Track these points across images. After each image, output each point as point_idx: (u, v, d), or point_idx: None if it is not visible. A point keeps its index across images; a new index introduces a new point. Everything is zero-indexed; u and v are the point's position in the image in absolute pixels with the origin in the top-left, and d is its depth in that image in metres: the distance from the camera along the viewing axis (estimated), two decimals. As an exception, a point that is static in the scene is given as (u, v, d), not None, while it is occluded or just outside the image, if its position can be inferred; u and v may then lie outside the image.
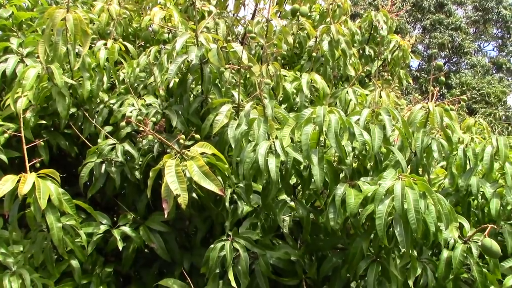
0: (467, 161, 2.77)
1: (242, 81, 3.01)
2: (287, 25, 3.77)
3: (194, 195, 2.67)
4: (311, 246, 2.67)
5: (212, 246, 2.43)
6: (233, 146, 2.50)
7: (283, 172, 2.36)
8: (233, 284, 2.33)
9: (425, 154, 2.75)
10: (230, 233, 2.48)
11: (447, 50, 23.69)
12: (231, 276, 2.34)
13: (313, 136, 2.41)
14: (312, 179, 2.32)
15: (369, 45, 4.49)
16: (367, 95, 3.50)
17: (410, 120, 2.75)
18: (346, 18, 3.96)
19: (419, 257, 2.46)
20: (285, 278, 2.55)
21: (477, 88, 22.35)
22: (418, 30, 24.88)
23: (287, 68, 3.88)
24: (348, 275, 2.44)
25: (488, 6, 24.31)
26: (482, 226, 2.35)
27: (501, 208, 2.67)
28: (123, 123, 2.73)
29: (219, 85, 2.91)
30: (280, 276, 2.55)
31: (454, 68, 24.18)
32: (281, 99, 3.29)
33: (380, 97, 3.31)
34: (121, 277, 3.11)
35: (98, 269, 2.88)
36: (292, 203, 2.57)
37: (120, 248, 2.76)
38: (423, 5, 23.46)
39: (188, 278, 2.51)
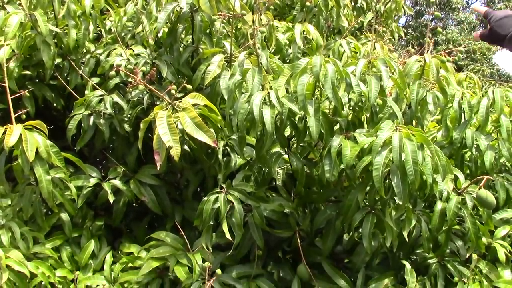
0: (462, 114, 2.74)
1: (234, 31, 2.92)
2: (280, -27, 3.65)
3: (186, 147, 2.63)
4: (304, 199, 2.66)
5: (205, 198, 2.40)
6: (226, 97, 2.43)
7: (278, 124, 2.30)
8: (228, 236, 2.31)
9: (419, 107, 2.72)
10: (223, 186, 2.45)
11: (435, 6, 23.47)
12: (225, 228, 2.32)
13: (309, 87, 2.35)
14: (307, 131, 2.27)
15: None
16: (360, 47, 3.43)
17: (405, 72, 2.69)
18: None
19: (413, 209, 2.46)
20: (278, 230, 2.54)
21: (463, 45, 22.33)
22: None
23: (279, 19, 3.77)
24: (341, 227, 2.44)
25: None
26: (477, 178, 2.34)
27: (494, 161, 2.67)
28: (112, 72, 2.63)
29: (211, 34, 2.82)
30: (273, 228, 2.54)
31: (441, 24, 24.01)
32: (273, 50, 3.20)
33: (374, 48, 3.23)
34: (111, 231, 3.09)
35: (89, 223, 2.86)
36: (286, 156, 2.54)
37: (111, 201, 2.72)
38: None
39: (181, 231, 2.49)
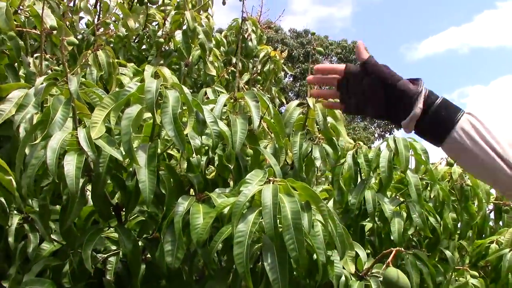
0: (358, 172, 2.11)
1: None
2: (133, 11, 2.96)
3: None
4: (145, 299, 1.79)
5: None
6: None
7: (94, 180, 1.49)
8: None
9: (304, 165, 2.06)
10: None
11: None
12: None
13: (147, 128, 1.61)
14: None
15: (236, 57, 3.87)
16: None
17: (284, 120, 2.05)
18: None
19: (301, 305, 1.70)
20: None
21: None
22: (289, 78, 25.94)
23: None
24: None
25: (351, 58, 26.16)
26: (383, 252, 1.66)
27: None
28: None
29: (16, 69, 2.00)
30: None
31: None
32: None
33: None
34: None
35: None
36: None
37: None
38: (293, 54, 24.88)
39: None
